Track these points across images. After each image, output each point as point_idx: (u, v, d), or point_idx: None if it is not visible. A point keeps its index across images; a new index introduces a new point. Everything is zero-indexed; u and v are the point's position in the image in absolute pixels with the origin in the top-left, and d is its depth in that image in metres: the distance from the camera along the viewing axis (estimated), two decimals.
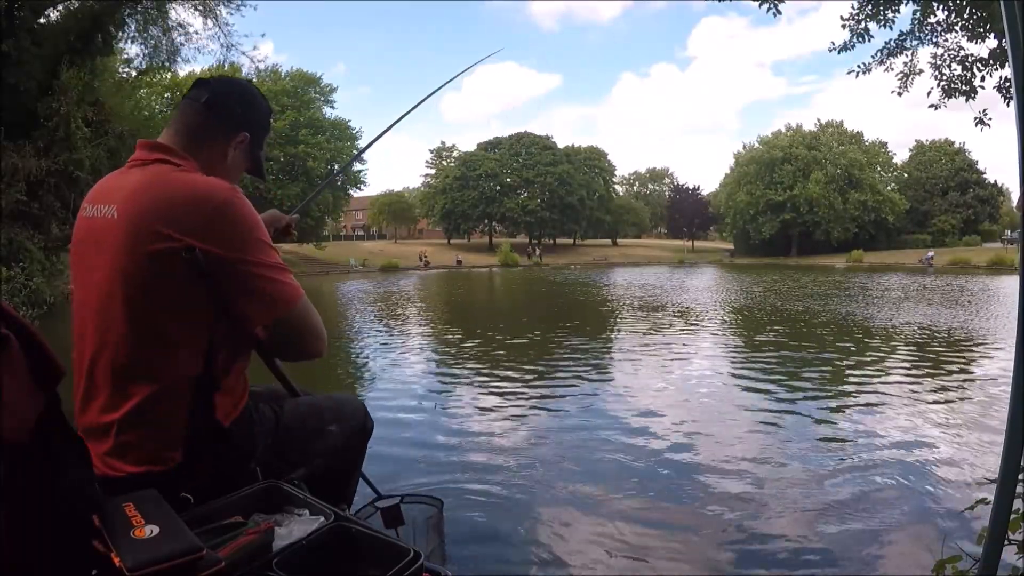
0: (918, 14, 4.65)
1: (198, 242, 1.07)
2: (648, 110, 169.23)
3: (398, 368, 6.90)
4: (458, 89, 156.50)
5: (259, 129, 1.35)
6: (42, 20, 11.35)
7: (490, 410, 4.86)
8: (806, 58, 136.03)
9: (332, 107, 41.66)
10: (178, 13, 13.16)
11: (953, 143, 52.63)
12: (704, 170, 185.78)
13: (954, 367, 6.63)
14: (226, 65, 17.57)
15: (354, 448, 1.55)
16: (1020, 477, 1.23)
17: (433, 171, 58.06)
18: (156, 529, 0.86)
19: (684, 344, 8.43)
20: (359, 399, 1.59)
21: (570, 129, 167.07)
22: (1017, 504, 1.33)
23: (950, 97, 4.70)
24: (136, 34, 12.74)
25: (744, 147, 56.47)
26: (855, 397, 5.23)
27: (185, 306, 1.12)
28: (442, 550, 2.32)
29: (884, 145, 55.20)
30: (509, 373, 6.40)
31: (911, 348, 7.97)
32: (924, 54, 5.21)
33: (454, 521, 2.65)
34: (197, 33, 13.86)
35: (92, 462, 0.98)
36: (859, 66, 4.97)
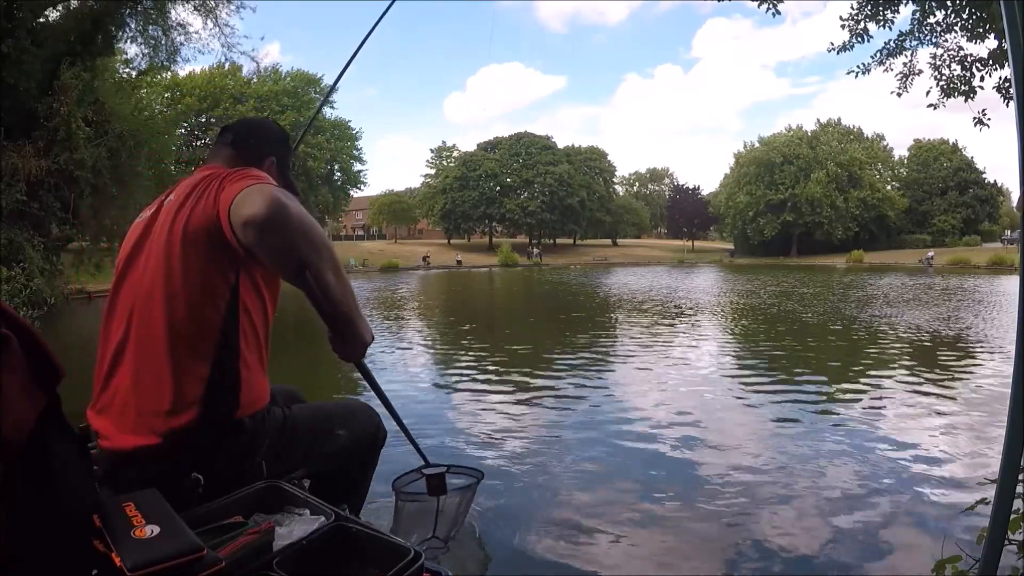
0: (917, 14, 4.64)
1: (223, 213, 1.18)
2: (651, 111, 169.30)
3: (397, 367, 6.90)
4: (462, 89, 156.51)
5: (282, 151, 1.54)
6: (42, 20, 11.33)
7: (489, 409, 4.86)
8: (810, 59, 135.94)
9: (332, 107, 41.62)
10: (178, 13, 13.14)
11: (952, 143, 52.67)
12: (705, 170, 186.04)
13: (954, 367, 6.63)
14: (226, 65, 17.55)
15: (362, 454, 1.57)
16: (1020, 477, 1.23)
17: (433, 171, 58.06)
18: (156, 529, 0.86)
19: (684, 344, 8.43)
20: (372, 408, 1.62)
21: (573, 130, 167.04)
22: (1017, 504, 1.33)
23: (949, 97, 4.70)
24: (136, 34, 12.71)
25: (745, 146, 56.46)
26: (855, 397, 5.23)
27: (209, 278, 1.21)
28: (460, 521, 2.38)
29: (882, 138, 55.41)
30: (508, 372, 6.40)
31: (911, 348, 7.97)
32: (923, 54, 5.21)
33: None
34: (197, 33, 13.83)
35: (93, 460, 0.98)
36: (859, 67, 4.96)
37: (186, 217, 1.21)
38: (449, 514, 2.31)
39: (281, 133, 1.58)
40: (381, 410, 1.68)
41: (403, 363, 7.23)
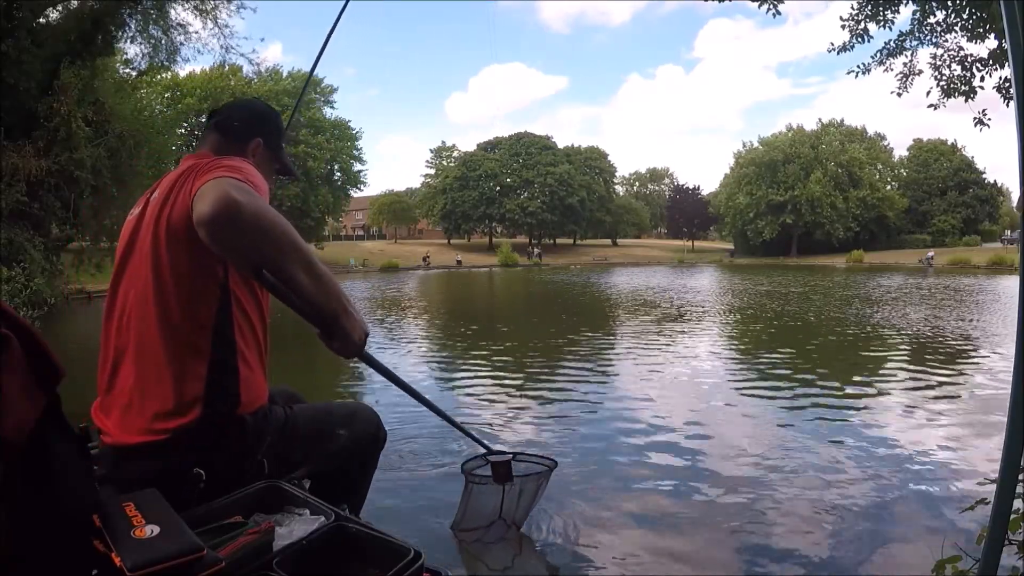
0: (917, 15, 4.64)
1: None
2: (652, 111, 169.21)
3: (396, 367, 6.89)
4: (464, 90, 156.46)
5: (269, 131, 1.48)
6: (42, 20, 11.32)
7: (491, 409, 4.86)
8: (810, 59, 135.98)
9: (332, 107, 41.66)
10: (178, 13, 13.13)
11: (952, 143, 52.64)
12: (705, 170, 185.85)
13: (954, 367, 6.63)
14: (226, 66, 17.53)
15: (362, 454, 1.56)
16: (1020, 477, 1.23)
17: (433, 171, 58.02)
18: (156, 529, 0.86)
19: (685, 345, 8.43)
20: (372, 410, 1.61)
21: (574, 129, 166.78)
22: (1017, 504, 1.33)
23: (949, 97, 4.70)
24: (136, 34, 12.70)
25: (744, 146, 56.33)
26: (855, 398, 5.23)
27: (198, 275, 1.21)
28: (530, 507, 2.41)
29: (882, 138, 55.39)
30: (510, 373, 6.40)
31: (911, 348, 7.97)
32: (923, 54, 5.21)
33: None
34: (197, 33, 13.82)
35: (95, 459, 0.98)
36: (859, 67, 4.95)
37: (168, 214, 1.20)
38: (516, 499, 2.29)
39: (268, 112, 1.53)
40: (381, 410, 1.67)
41: (402, 363, 7.23)
